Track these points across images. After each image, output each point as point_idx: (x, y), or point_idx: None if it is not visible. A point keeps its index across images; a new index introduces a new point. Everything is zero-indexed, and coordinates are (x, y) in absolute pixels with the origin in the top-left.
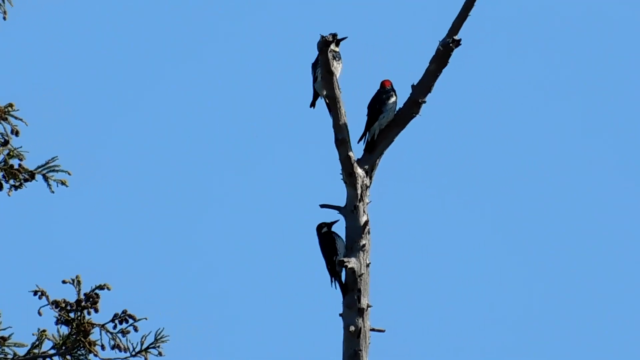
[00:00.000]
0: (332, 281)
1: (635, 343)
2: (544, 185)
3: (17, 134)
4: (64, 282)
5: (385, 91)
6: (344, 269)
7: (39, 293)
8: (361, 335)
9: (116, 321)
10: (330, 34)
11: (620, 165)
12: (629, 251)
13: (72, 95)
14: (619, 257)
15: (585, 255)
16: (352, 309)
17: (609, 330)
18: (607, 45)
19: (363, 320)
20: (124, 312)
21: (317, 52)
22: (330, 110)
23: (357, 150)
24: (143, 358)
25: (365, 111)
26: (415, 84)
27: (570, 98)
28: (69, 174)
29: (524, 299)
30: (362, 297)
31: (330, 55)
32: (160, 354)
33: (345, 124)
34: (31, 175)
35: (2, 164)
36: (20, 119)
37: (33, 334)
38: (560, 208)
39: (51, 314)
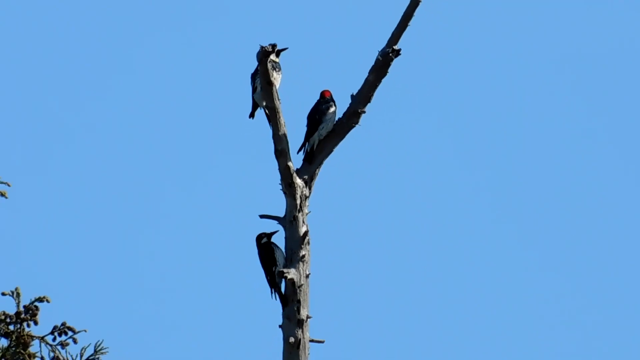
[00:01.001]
0: (271, 292)
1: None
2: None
3: None
4: (3, 294)
5: (324, 101)
6: (283, 280)
7: None
8: (301, 347)
9: (55, 333)
10: (270, 45)
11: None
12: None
13: None
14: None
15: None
16: (292, 320)
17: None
18: (542, 51)
19: (303, 331)
20: (63, 324)
21: (256, 63)
22: (269, 121)
23: (296, 161)
24: None
25: (305, 122)
26: (354, 94)
27: (512, 117)
28: (9, 185)
29: (457, 314)
30: (301, 308)
31: (269, 66)
32: None
33: (284, 135)
34: None
35: None
36: None
37: None
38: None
39: None
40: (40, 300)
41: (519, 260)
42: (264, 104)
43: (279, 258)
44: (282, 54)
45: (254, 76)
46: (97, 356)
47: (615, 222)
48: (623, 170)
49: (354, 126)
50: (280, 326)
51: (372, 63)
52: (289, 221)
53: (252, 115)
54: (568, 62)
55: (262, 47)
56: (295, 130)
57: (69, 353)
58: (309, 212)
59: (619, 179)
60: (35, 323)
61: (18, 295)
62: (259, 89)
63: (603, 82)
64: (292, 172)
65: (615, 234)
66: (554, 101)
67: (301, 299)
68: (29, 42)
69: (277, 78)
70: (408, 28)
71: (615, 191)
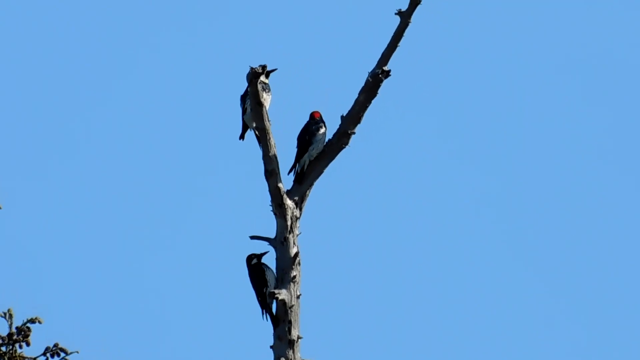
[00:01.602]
0: (262, 313)
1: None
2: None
3: None
4: None
5: (314, 122)
6: (274, 301)
7: None
8: None
9: (48, 354)
10: (259, 66)
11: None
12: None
13: None
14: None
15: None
16: (283, 341)
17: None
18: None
19: (294, 352)
20: (56, 345)
21: (246, 84)
22: (259, 142)
23: (286, 182)
24: None
25: (295, 142)
26: (344, 115)
27: (499, 144)
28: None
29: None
30: (292, 329)
31: (259, 87)
32: None
33: (274, 156)
34: None
35: None
36: None
37: None
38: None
39: None
40: (32, 321)
41: (515, 269)
42: (254, 125)
43: (269, 279)
44: (271, 75)
45: (243, 98)
46: None
47: (614, 224)
48: (621, 171)
49: (344, 147)
50: (271, 347)
51: (362, 84)
52: (280, 242)
53: (242, 136)
54: (563, 66)
55: (251, 69)
56: (285, 151)
57: None
58: (300, 233)
59: (616, 180)
60: (28, 344)
61: (10, 316)
62: (249, 110)
63: (601, 83)
64: (282, 193)
65: (615, 235)
66: (545, 108)
67: (292, 320)
68: (29, 43)
69: (267, 99)
70: (398, 49)
71: (615, 193)
